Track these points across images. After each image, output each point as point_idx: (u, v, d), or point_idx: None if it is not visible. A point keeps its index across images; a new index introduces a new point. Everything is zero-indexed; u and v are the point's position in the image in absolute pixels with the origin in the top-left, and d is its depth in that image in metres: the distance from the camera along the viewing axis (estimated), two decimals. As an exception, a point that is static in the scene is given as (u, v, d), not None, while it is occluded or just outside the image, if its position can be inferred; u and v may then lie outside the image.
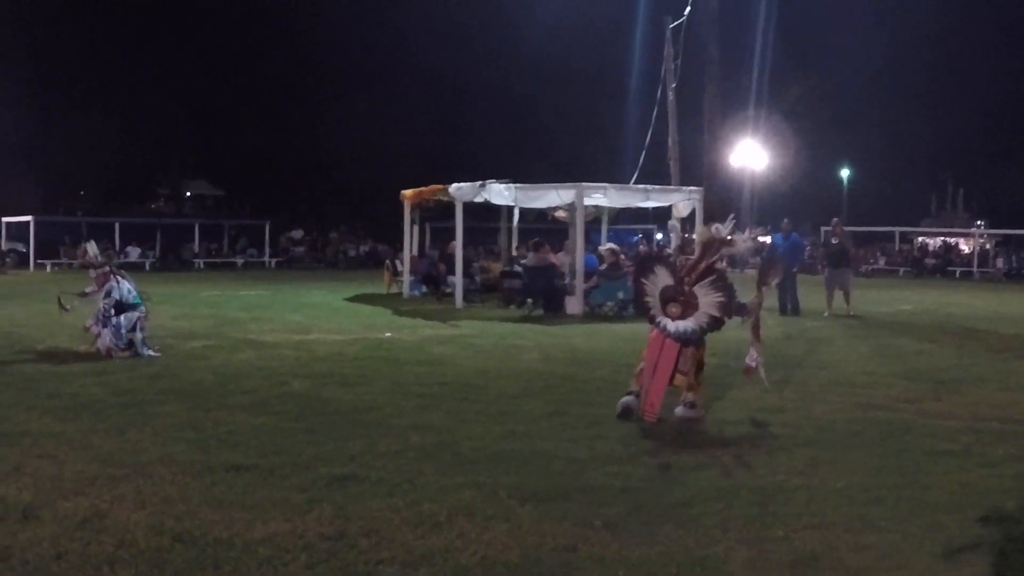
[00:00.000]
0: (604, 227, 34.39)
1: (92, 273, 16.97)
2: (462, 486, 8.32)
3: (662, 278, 11.64)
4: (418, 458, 9.28)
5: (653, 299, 11.61)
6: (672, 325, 11.37)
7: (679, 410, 11.61)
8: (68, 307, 17.35)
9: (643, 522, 7.47)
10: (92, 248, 17.55)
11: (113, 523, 7.28)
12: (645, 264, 12.58)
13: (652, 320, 11.66)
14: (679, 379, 11.65)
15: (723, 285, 11.47)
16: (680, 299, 11.47)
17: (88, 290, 17.21)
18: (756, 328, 12.27)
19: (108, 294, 16.40)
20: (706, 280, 11.50)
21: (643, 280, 11.81)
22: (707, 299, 11.40)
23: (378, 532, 7.16)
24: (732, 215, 12.50)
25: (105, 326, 16.19)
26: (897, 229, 66.38)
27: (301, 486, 8.23)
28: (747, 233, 13.18)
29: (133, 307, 16.42)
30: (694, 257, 12.00)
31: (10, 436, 10.04)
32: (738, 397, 12.81)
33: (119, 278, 16.73)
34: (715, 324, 11.45)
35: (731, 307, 11.51)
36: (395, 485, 8.29)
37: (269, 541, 6.92)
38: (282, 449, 9.53)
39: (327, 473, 8.62)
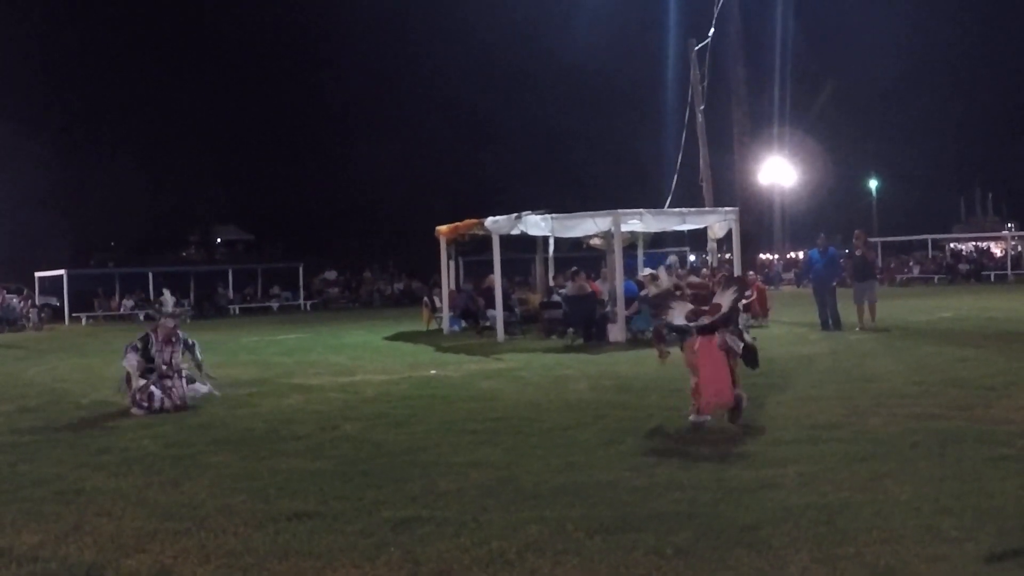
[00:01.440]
0: (640, 252, 34.31)
1: (170, 323, 16.72)
2: (528, 521, 8.18)
3: (679, 308, 12.59)
4: (480, 495, 9.15)
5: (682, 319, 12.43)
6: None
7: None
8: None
9: (713, 547, 7.33)
10: (168, 298, 17.31)
11: (179, 579, 7.16)
12: (659, 304, 13.24)
13: (696, 326, 12.29)
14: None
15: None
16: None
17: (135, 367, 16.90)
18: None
19: (185, 344, 16.44)
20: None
21: (665, 318, 12.70)
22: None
23: (449, 573, 7.05)
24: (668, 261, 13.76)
25: (169, 377, 16.10)
26: (929, 237, 66.35)
27: (366, 531, 8.11)
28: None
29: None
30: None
31: (65, 494, 9.95)
32: (792, 415, 12.71)
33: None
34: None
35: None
36: (460, 524, 8.15)
37: (340, 589, 6.80)
38: (342, 494, 9.40)
39: (391, 516, 8.49)
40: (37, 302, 52.71)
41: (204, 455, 11.80)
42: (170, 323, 16.58)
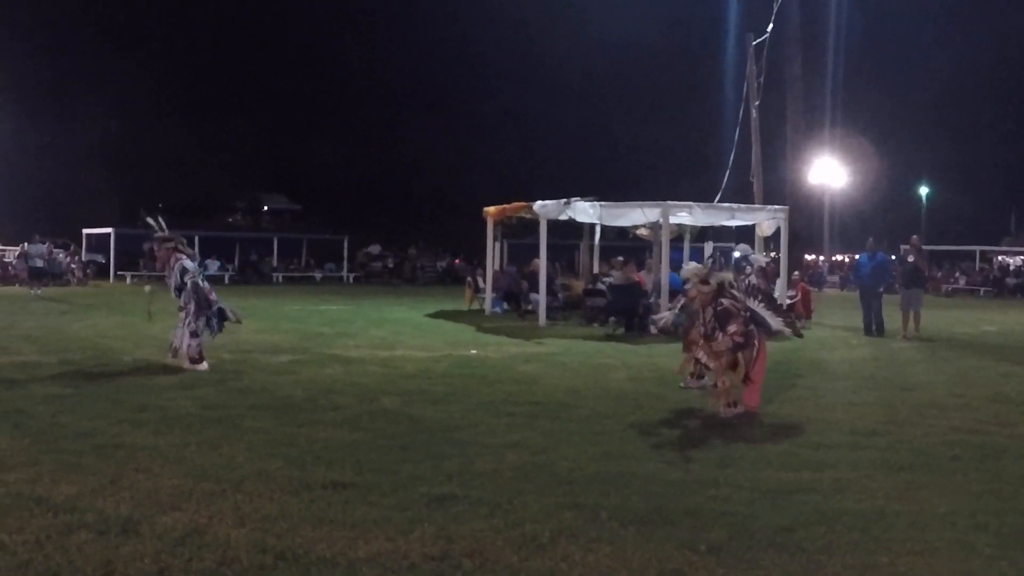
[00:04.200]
0: (687, 245, 34.20)
1: (156, 249, 16.68)
2: (563, 507, 8.18)
3: (772, 314, 13.45)
4: (516, 478, 9.15)
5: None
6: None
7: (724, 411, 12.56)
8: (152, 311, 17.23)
9: (746, 547, 7.30)
10: (156, 222, 17.17)
11: (213, 539, 7.20)
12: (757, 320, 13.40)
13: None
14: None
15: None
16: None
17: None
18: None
19: (183, 273, 16.41)
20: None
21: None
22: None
23: (482, 553, 7.04)
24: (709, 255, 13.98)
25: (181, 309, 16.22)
26: (977, 248, 65.77)
27: (401, 505, 8.13)
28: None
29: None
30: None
31: (104, 448, 10.02)
32: (831, 419, 12.62)
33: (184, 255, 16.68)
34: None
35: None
36: (495, 505, 8.16)
37: (373, 561, 6.82)
38: (378, 467, 9.44)
39: (426, 492, 8.50)
40: (84, 258, 53.04)
41: (243, 419, 11.86)
42: (158, 247, 16.63)
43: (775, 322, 13.08)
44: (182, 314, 16.32)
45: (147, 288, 17.94)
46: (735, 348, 12.48)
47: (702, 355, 13.02)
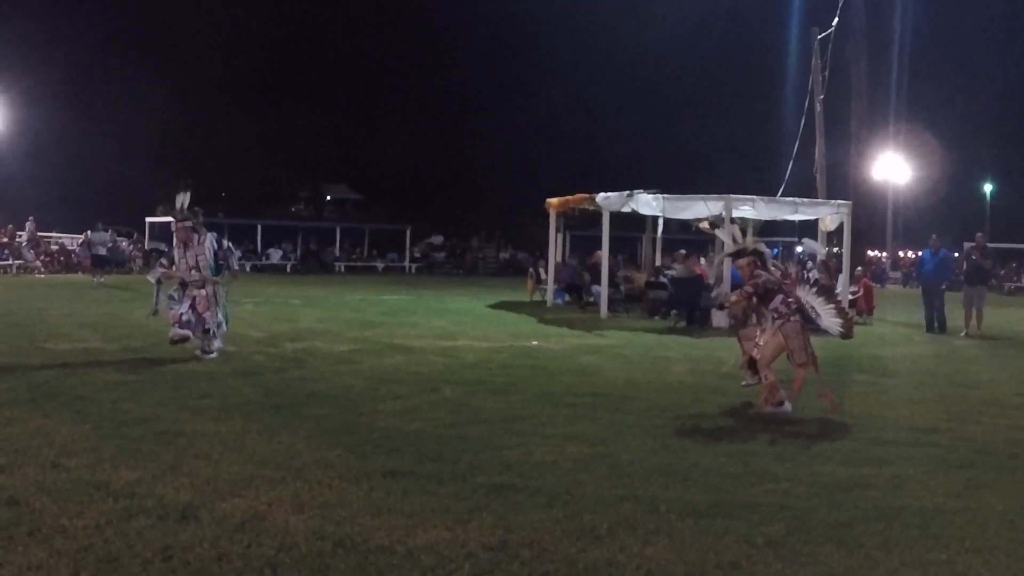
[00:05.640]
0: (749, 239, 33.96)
1: (179, 225, 16.51)
2: (621, 499, 8.16)
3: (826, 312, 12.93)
4: (575, 469, 9.14)
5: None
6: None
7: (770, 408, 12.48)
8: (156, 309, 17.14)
9: (804, 541, 7.26)
10: (181, 198, 16.88)
11: (272, 526, 7.22)
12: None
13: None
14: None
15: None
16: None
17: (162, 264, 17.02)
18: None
19: (219, 242, 16.50)
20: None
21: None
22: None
23: (540, 543, 7.02)
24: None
25: (198, 286, 16.22)
26: (1041, 247, 65.05)
27: (460, 494, 8.13)
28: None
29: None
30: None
31: (165, 435, 10.08)
32: (891, 416, 12.54)
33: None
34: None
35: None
36: (554, 496, 8.15)
37: (431, 549, 6.82)
38: (438, 456, 9.43)
39: (485, 482, 8.50)
40: (146, 246, 53.39)
41: (303, 407, 11.90)
42: (179, 225, 16.53)
43: (828, 321, 12.87)
44: (203, 292, 16.26)
45: (153, 277, 17.66)
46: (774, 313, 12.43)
47: (751, 348, 12.93)
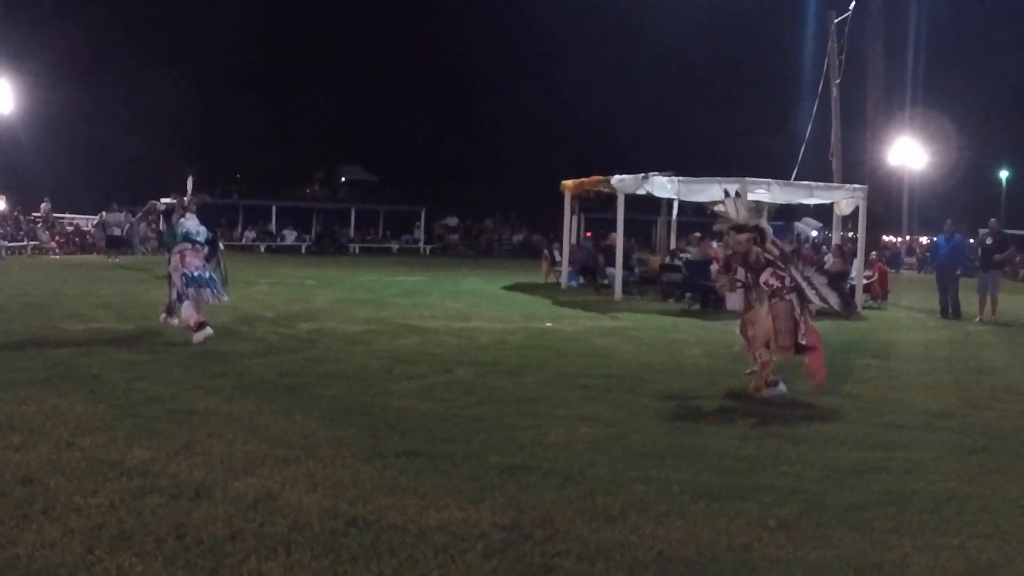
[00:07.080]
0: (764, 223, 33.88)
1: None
2: (634, 480, 8.18)
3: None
4: (588, 450, 9.16)
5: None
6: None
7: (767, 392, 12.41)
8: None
9: (817, 524, 7.28)
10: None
11: (285, 505, 7.25)
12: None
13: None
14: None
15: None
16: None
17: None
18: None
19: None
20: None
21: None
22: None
23: (552, 524, 7.04)
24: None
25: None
26: (1057, 233, 64.85)
27: (472, 475, 8.15)
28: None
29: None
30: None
31: (178, 414, 10.12)
32: (904, 400, 12.56)
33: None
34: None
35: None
36: (567, 477, 8.17)
37: (444, 529, 6.85)
38: (451, 436, 9.46)
39: (498, 462, 8.52)
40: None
41: (317, 387, 11.94)
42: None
43: (825, 291, 12.82)
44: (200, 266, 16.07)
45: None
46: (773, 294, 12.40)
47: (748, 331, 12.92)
